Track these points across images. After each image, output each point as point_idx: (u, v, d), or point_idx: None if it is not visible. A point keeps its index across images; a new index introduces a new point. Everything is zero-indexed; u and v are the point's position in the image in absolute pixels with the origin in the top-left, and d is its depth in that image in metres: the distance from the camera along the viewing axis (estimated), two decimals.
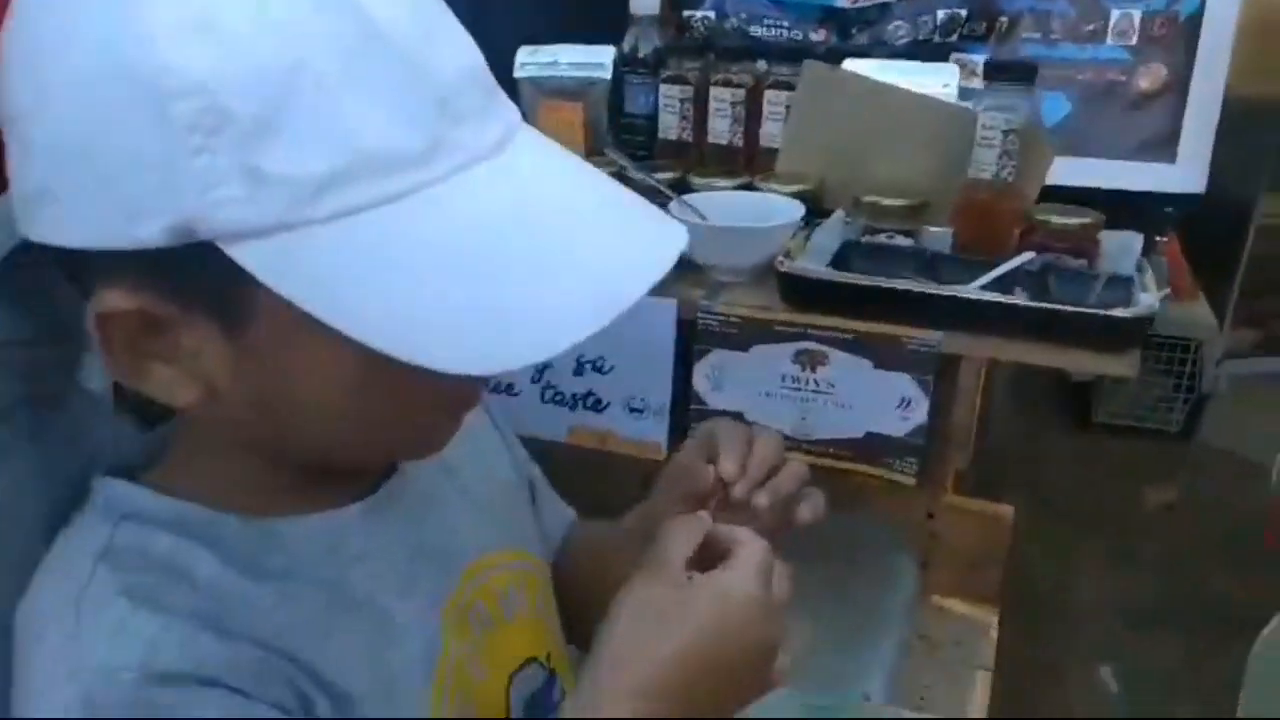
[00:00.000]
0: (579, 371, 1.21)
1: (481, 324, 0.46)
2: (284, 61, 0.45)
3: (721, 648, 0.54)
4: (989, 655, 1.27)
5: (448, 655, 0.61)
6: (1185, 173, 1.56)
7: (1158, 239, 2.72)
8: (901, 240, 1.24)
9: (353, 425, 0.54)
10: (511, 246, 0.48)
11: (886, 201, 1.24)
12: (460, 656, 0.62)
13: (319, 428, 0.54)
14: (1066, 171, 1.48)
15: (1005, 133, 1.18)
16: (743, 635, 0.55)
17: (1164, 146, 1.56)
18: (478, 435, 0.72)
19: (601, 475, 1.25)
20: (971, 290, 1.09)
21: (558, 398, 1.22)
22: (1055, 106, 1.62)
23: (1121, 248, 1.19)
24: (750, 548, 0.57)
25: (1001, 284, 1.12)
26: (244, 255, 0.46)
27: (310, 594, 0.56)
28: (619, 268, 0.49)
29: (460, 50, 0.51)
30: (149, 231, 0.46)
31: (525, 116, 0.56)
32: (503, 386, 1.25)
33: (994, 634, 1.30)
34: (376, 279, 0.46)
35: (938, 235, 1.24)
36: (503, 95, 0.54)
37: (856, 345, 1.15)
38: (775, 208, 1.26)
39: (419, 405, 0.55)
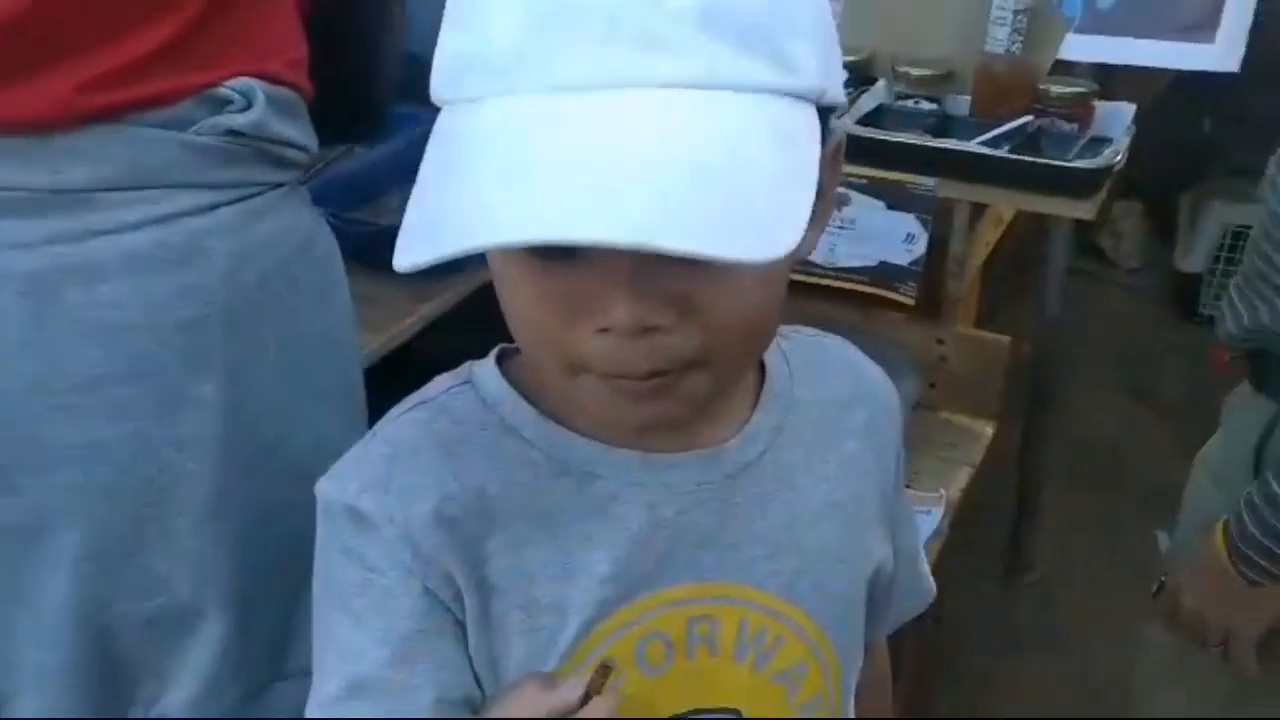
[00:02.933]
0: None
1: (420, 224, 0.48)
2: None
3: None
4: (978, 455, 1.53)
5: (591, 642, 0.58)
6: (1223, 51, 1.70)
7: None
8: (927, 104, 1.47)
9: (515, 330, 0.55)
10: (485, 166, 0.47)
11: (916, 71, 1.47)
12: (613, 653, 0.59)
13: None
14: (1113, 50, 1.66)
15: (1016, 12, 1.38)
16: None
17: (1206, 27, 1.71)
18: (843, 475, 0.65)
19: None
20: (962, 144, 1.32)
21: None
22: None
23: (1113, 114, 1.39)
24: None
25: (997, 142, 1.35)
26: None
27: (530, 507, 0.58)
28: (557, 215, 0.44)
29: None
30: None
31: None
32: None
33: (986, 440, 1.55)
34: (426, 165, 0.50)
35: (959, 101, 1.47)
36: (668, 43, 0.47)
37: (873, 189, 1.40)
38: None
39: (537, 309, 0.52)
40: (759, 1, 0.48)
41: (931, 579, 0.77)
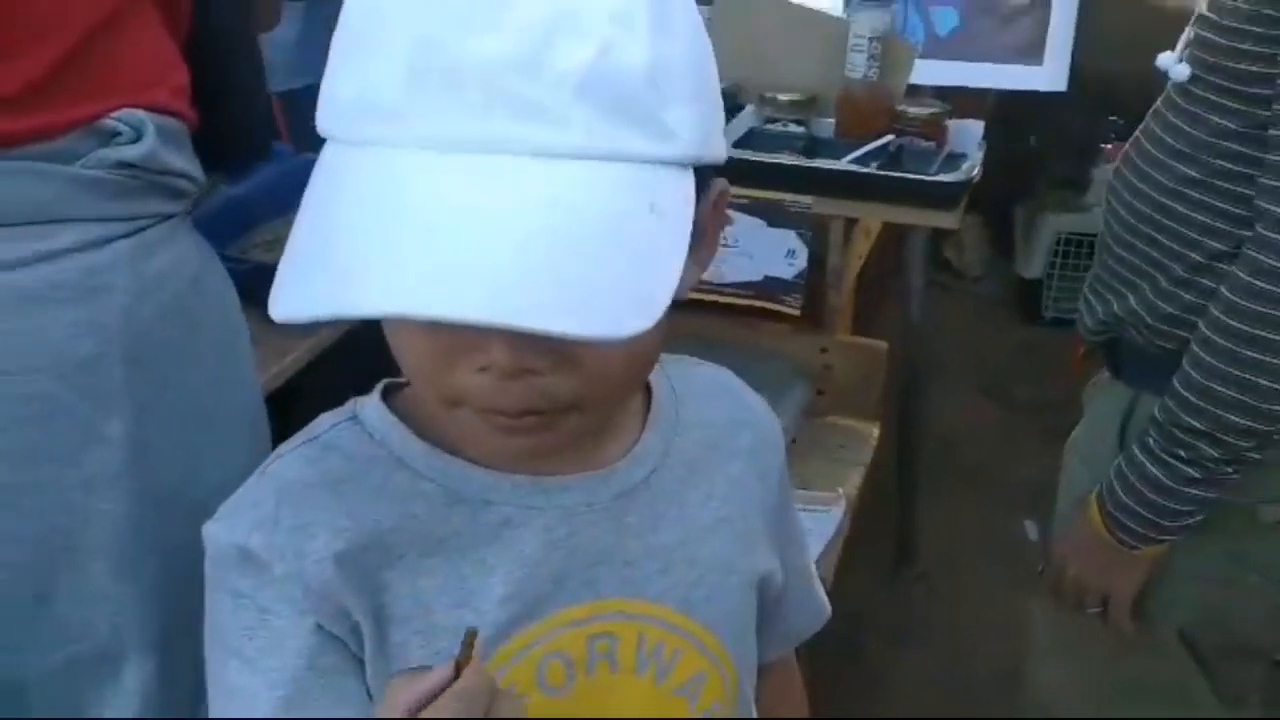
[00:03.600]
0: None
1: (295, 276, 0.49)
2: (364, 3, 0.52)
3: None
4: (868, 455, 1.62)
5: (491, 667, 0.57)
6: (1051, 72, 1.87)
7: (1103, 146, 3.00)
8: (795, 128, 1.57)
9: (400, 365, 0.56)
10: (362, 220, 0.48)
11: (783, 97, 1.57)
12: (514, 676, 0.60)
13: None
14: (953, 74, 1.80)
15: (870, 39, 1.49)
16: None
17: (1033, 51, 1.88)
18: (726, 491, 0.67)
19: None
20: (835, 163, 1.42)
21: None
22: (946, 19, 1.92)
23: (964, 132, 1.52)
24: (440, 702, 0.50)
25: (864, 160, 1.45)
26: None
27: (426, 537, 0.59)
28: (428, 284, 0.46)
29: (508, 46, 0.48)
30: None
31: None
32: None
33: (873, 441, 1.65)
34: (307, 204, 0.52)
35: (824, 123, 1.57)
36: (544, 110, 0.48)
37: (754, 208, 1.48)
38: None
39: (419, 349, 0.54)
40: (638, 71, 0.49)
41: (825, 598, 0.78)
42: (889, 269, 1.77)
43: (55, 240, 0.76)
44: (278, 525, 0.58)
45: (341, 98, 0.51)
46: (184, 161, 0.85)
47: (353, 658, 0.59)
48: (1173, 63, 0.96)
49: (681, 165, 0.52)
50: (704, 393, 0.70)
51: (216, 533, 0.60)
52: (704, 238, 0.57)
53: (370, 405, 0.62)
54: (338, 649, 0.59)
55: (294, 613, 0.58)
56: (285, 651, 0.58)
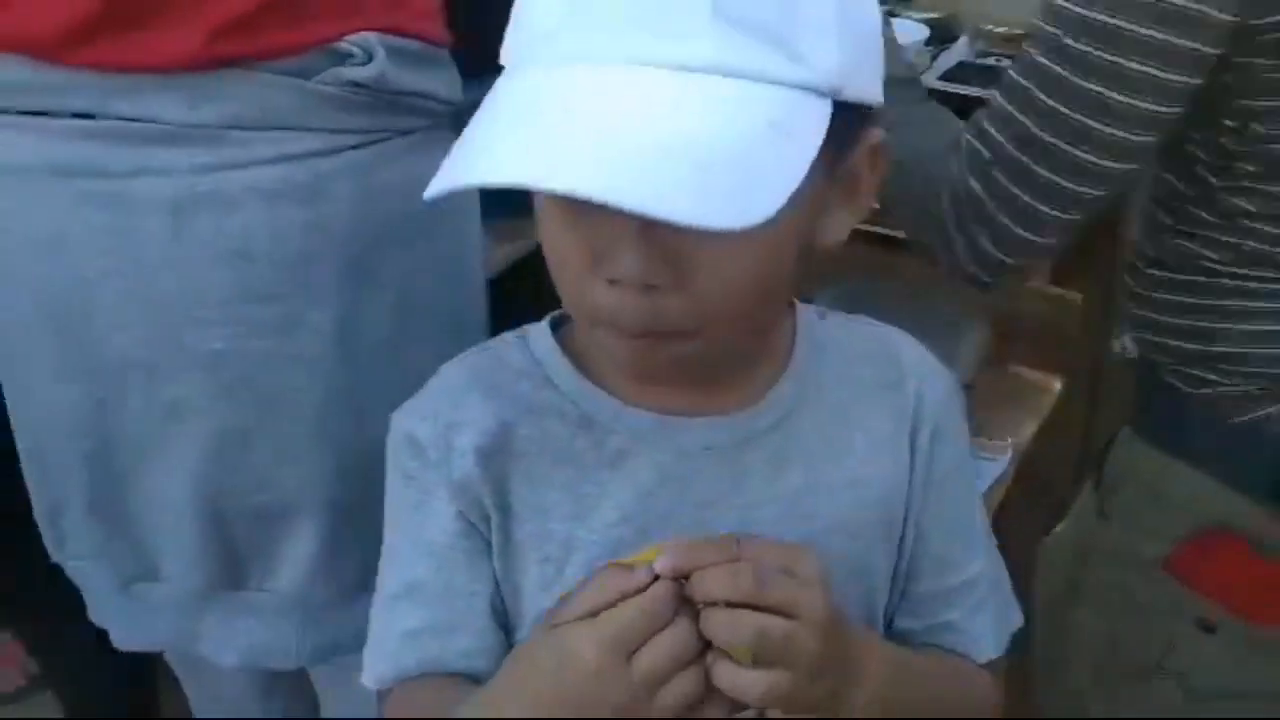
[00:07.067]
0: None
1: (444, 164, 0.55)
2: None
3: (537, 700, 0.58)
4: (1044, 409, 1.57)
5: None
6: None
7: None
8: (1007, 62, 1.49)
9: (551, 274, 0.61)
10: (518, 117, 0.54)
11: (997, 29, 1.50)
12: None
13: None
14: None
15: None
16: (560, 692, 0.57)
17: None
18: (871, 459, 0.69)
19: None
20: None
21: None
22: None
23: None
24: (617, 611, 0.56)
25: None
26: None
27: (552, 450, 0.66)
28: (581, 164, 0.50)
29: None
30: None
31: None
32: None
33: (1052, 396, 1.59)
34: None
35: None
36: (682, 29, 0.52)
37: None
38: (904, 29, 1.54)
39: (560, 251, 0.60)
40: None
41: (1014, 611, 0.75)
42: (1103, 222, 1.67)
43: (291, 145, 0.84)
44: (436, 419, 0.67)
45: (509, 31, 0.58)
46: (428, 81, 0.89)
47: (487, 544, 0.67)
48: None
49: (817, 93, 0.54)
50: (859, 352, 0.71)
51: (396, 420, 0.70)
52: (858, 185, 0.60)
53: (538, 330, 0.70)
54: (474, 535, 0.67)
55: (445, 496, 0.66)
56: (435, 529, 0.66)
